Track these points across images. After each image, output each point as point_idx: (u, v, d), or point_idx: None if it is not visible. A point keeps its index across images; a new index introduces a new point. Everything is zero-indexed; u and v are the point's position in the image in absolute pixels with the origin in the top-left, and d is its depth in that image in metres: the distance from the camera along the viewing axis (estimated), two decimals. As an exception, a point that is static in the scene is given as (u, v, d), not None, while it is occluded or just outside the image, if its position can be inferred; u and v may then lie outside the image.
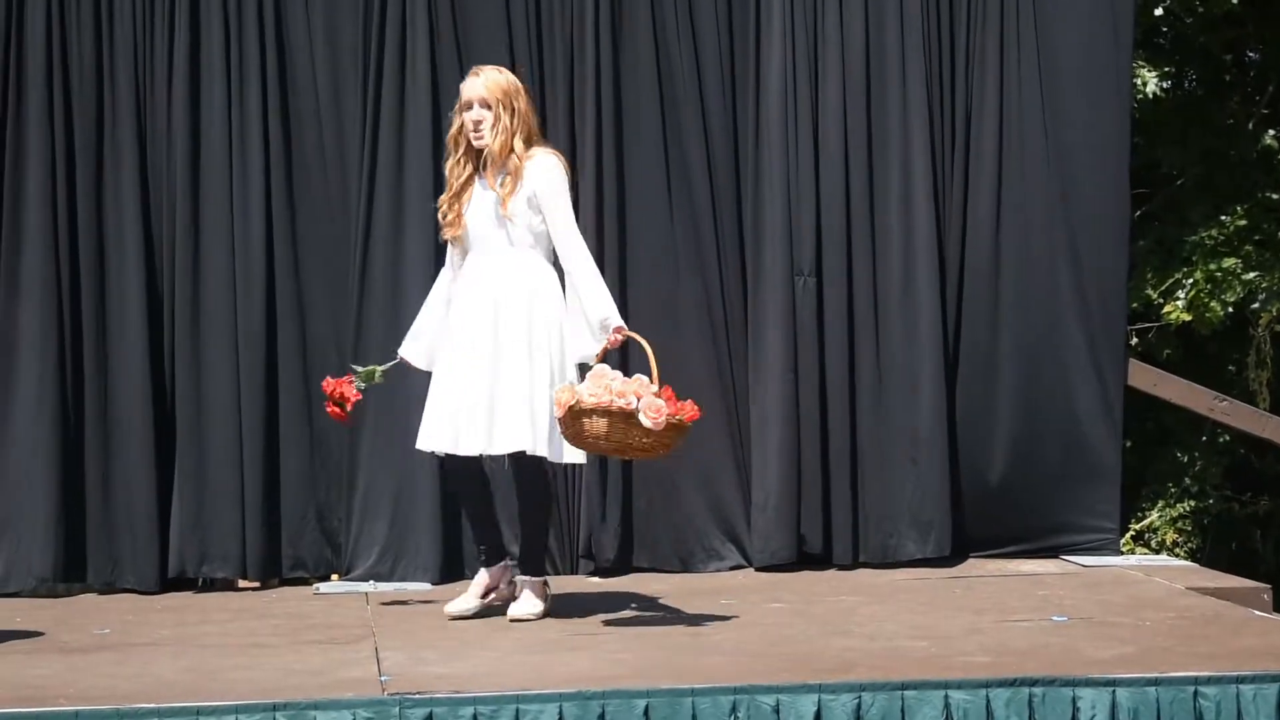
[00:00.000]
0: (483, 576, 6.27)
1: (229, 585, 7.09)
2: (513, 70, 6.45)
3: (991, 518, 7.33)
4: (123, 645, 5.89)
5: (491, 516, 6.31)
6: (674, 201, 7.24)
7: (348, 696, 4.91)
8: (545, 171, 6.10)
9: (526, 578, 6.21)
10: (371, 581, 6.99)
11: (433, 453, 6.22)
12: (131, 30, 7.02)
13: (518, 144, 6.09)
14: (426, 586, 6.89)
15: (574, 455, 6.08)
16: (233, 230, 7.04)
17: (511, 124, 6.09)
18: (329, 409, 6.29)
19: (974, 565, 7.23)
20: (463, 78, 6.28)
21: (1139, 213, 8.87)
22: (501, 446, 6.03)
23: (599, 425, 5.69)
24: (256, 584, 7.09)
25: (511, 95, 6.11)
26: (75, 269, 6.98)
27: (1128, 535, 8.62)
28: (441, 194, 6.25)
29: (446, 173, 6.24)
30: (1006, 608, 6.29)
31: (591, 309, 6.05)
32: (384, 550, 7.03)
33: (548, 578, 6.37)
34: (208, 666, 5.46)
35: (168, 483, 7.00)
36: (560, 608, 6.26)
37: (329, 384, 6.28)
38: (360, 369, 6.32)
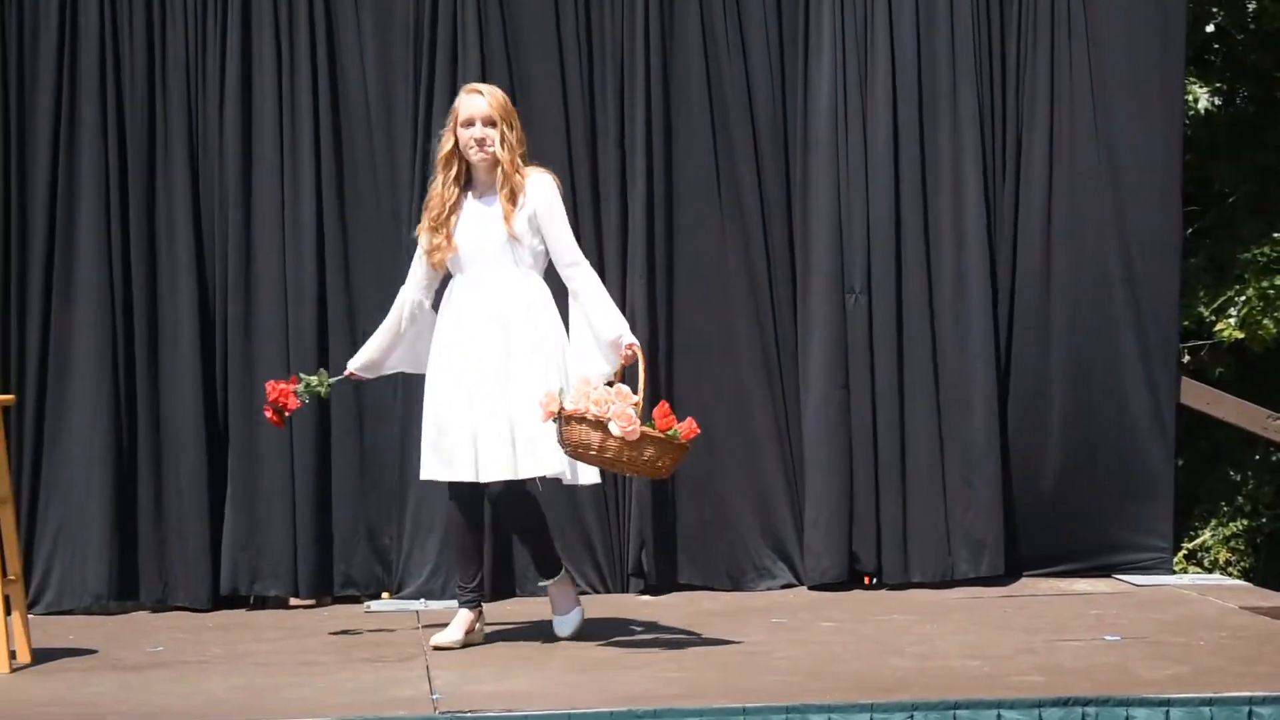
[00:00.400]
0: (467, 614, 6.09)
1: (281, 603, 7.11)
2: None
3: (1044, 536, 7.30)
4: (175, 663, 5.91)
5: (482, 546, 6.23)
6: (724, 214, 7.22)
7: (399, 715, 4.92)
8: (544, 191, 6.03)
9: (549, 581, 6.14)
10: (423, 600, 6.99)
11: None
12: (183, 42, 7.06)
13: (519, 162, 6.05)
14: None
15: (589, 476, 6.02)
16: (284, 242, 7.07)
17: (515, 141, 6.05)
18: (267, 413, 6.15)
19: (1027, 584, 7.20)
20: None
21: (1191, 230, 8.81)
22: (527, 471, 5.94)
23: (577, 432, 5.67)
24: (309, 602, 7.10)
25: (511, 113, 6.06)
26: (128, 283, 7.01)
27: (1180, 554, 8.56)
28: (427, 218, 6.12)
29: (434, 195, 6.11)
30: (1059, 627, 6.26)
31: (603, 328, 5.95)
32: (435, 568, 7.03)
33: (580, 594, 6.30)
34: (260, 685, 5.47)
35: (219, 500, 7.03)
36: (610, 626, 6.26)
37: (272, 388, 6.14)
38: (305, 378, 6.22)
